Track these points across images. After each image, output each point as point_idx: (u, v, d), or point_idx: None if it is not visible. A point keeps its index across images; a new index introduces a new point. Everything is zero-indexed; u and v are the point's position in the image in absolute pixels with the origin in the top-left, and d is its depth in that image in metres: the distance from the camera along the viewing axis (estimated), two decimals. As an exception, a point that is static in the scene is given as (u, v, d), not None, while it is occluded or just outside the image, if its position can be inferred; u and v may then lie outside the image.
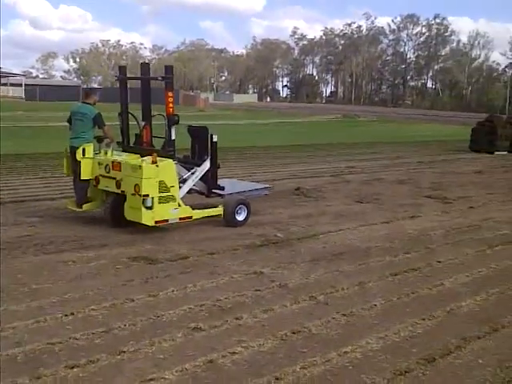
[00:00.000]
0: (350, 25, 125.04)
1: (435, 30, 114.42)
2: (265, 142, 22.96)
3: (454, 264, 6.63)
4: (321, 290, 5.49)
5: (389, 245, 7.45)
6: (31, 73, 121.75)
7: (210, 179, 8.38)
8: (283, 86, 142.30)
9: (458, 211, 9.98)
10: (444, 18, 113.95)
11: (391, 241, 7.65)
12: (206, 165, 8.24)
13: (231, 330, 4.51)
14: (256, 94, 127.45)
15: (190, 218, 7.79)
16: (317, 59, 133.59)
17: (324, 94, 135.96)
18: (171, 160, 7.58)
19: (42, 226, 7.84)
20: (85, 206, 8.11)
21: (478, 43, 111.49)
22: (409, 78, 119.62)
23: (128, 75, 8.97)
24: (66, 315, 4.66)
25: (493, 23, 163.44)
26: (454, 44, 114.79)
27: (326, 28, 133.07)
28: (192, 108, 61.75)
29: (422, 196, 11.38)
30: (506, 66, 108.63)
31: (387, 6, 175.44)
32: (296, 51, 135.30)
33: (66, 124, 8.63)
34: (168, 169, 7.45)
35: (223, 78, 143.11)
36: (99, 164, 7.79)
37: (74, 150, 8.03)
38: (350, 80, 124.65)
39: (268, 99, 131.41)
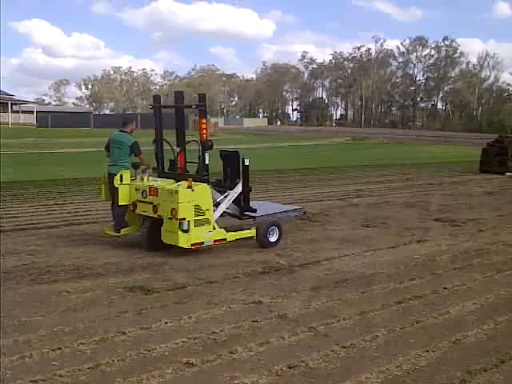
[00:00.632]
0: (359, 48, 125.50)
1: (444, 52, 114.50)
2: (273, 166, 22.82)
3: (461, 291, 6.39)
4: (321, 321, 5.28)
5: (394, 271, 7.22)
6: (43, 100, 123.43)
7: (242, 202, 8.61)
8: (293, 110, 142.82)
9: (466, 234, 9.73)
10: (453, 40, 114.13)
11: (397, 267, 7.42)
12: (239, 188, 8.50)
13: (224, 365, 4.30)
14: (266, 118, 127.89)
15: (225, 240, 8.02)
16: (326, 83, 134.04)
17: (334, 117, 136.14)
18: (206, 184, 7.81)
19: (40, 255, 7.71)
20: (123, 231, 8.31)
21: (488, 64, 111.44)
22: (418, 99, 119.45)
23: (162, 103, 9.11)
24: (53, 350, 4.48)
25: (502, 44, 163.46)
26: (464, 65, 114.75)
27: (336, 52, 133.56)
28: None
29: (431, 219, 11.14)
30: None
31: (396, 29, 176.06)
32: (305, 75, 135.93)
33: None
34: (203, 193, 7.69)
35: (233, 102, 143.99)
36: (136, 190, 8.03)
37: (112, 176, 8.26)
38: (359, 103, 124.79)
39: (278, 123, 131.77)
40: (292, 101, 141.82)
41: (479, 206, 13.27)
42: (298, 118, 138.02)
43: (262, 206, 9.32)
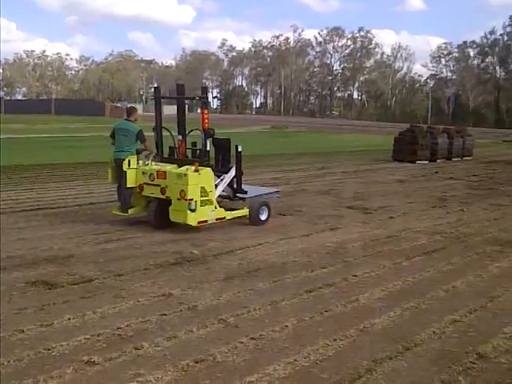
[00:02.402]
0: (277, 37, 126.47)
1: (360, 43, 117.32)
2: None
3: (370, 278, 6.49)
4: (231, 312, 5.20)
5: (306, 259, 7.26)
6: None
7: (234, 184, 9.42)
8: (213, 97, 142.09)
9: (377, 222, 9.95)
10: (368, 31, 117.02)
11: (309, 255, 7.46)
12: (232, 172, 9.29)
13: (128, 362, 4.13)
14: (186, 105, 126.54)
15: (224, 218, 8.88)
16: (246, 71, 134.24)
17: (254, 105, 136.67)
18: (210, 168, 8.63)
19: None
20: (130, 211, 9.03)
21: (401, 55, 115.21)
22: (336, 89, 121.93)
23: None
24: None
25: (414, 36, 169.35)
26: (378, 56, 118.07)
27: (255, 40, 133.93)
28: (120, 120, 60.62)
29: (344, 207, 11.34)
30: (427, 78, 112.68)
31: (314, 19, 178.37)
32: (225, 63, 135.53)
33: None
34: (207, 176, 8.53)
35: (152, 89, 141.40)
36: (143, 173, 8.75)
37: (119, 161, 8.97)
38: (278, 91, 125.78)
39: (198, 110, 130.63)
40: (212, 88, 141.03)
41: (390, 193, 13.65)
42: (218, 106, 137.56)
43: (250, 189, 9.89)
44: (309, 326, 4.96)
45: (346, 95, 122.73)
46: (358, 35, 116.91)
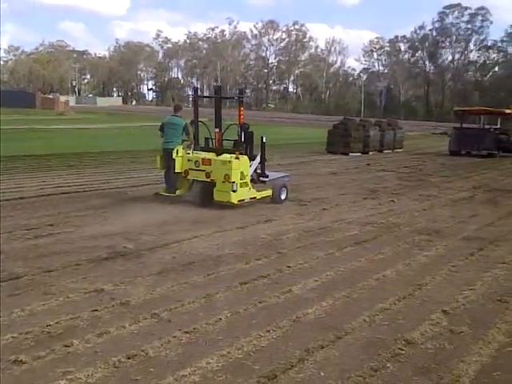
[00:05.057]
0: (213, 29, 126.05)
1: (294, 36, 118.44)
2: (129, 147, 22.22)
3: (303, 269, 6.58)
4: (165, 306, 5.15)
5: (241, 251, 7.28)
6: None
7: (259, 170, 10.95)
8: (149, 89, 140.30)
9: (311, 213, 10.10)
10: (302, 25, 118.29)
11: (244, 247, 7.49)
12: (258, 159, 10.77)
13: (58, 360, 4.03)
14: (121, 98, 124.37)
15: (255, 198, 10.52)
16: (182, 63, 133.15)
17: (190, 98, 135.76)
18: (246, 156, 10.29)
19: None
20: (178, 192, 10.59)
21: (335, 49, 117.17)
22: (271, 82, 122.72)
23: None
24: None
25: (348, 30, 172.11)
26: (313, 50, 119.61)
27: (190, 32, 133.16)
28: (51, 112, 58.94)
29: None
30: (360, 72, 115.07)
31: (249, 12, 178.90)
32: (160, 54, 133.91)
33: None
34: (244, 162, 10.20)
35: (85, 80, 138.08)
36: (189, 160, 10.35)
37: (168, 151, 10.57)
38: (215, 84, 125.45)
39: (134, 102, 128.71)
40: (147, 80, 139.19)
41: (324, 185, 13.87)
42: (153, 98, 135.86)
43: (269, 174, 11.35)
44: (242, 318, 4.98)
45: (282, 88, 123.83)
46: (292, 29, 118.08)
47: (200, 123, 10.84)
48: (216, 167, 9.97)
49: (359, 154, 23.36)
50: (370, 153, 24.09)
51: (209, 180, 10.06)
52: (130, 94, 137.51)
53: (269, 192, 10.86)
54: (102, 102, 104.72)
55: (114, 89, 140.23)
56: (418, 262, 7.13)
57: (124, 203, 10.45)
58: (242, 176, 10.02)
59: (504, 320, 5.15)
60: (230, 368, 4.00)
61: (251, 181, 10.59)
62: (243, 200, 10.13)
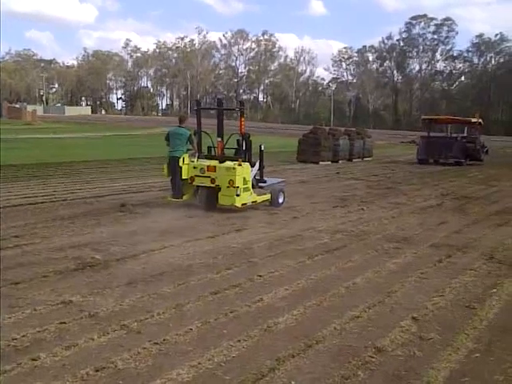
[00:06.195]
0: (182, 38, 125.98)
1: (264, 46, 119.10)
2: (95, 156, 22.00)
3: (274, 278, 6.56)
4: (134, 317, 5.08)
5: (212, 261, 7.23)
6: None
7: (257, 176, 11.63)
8: (118, 99, 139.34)
9: (282, 222, 10.12)
10: (272, 35, 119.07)
11: (214, 256, 7.45)
12: (257, 166, 11.48)
13: (24, 374, 3.93)
14: (90, 107, 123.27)
15: (256, 201, 11.28)
16: (151, 72, 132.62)
17: (160, 107, 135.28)
18: (248, 163, 11.02)
19: None
20: (184, 197, 11.27)
21: (304, 59, 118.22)
22: (241, 91, 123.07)
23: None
24: None
25: (316, 40, 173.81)
26: (282, 59, 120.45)
27: (159, 41, 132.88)
28: (18, 121, 58.08)
29: (249, 208, 11.41)
30: (329, 81, 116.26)
31: (218, 21, 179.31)
32: (130, 63, 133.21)
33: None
34: (247, 169, 10.97)
35: (53, 89, 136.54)
36: (194, 168, 11.06)
37: (174, 159, 11.15)
38: (185, 93, 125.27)
39: (103, 112, 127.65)
40: (116, 89, 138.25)
41: (295, 194, 13.88)
42: (123, 107, 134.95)
43: (267, 179, 12.08)
44: (213, 328, 4.93)
45: (252, 97, 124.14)
46: (262, 38, 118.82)
47: (203, 133, 11.63)
48: (221, 173, 10.70)
49: (329, 162, 23.56)
50: (340, 161, 24.31)
51: (214, 185, 10.78)
52: (98, 103, 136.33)
53: (268, 196, 11.64)
54: (70, 111, 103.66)
55: (83, 98, 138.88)
56: (388, 269, 7.18)
57: (92, 214, 10.31)
58: (245, 181, 10.77)
59: (472, 326, 5.21)
60: (201, 379, 3.95)
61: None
62: (246, 204, 10.87)
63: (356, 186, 16.13)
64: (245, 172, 10.83)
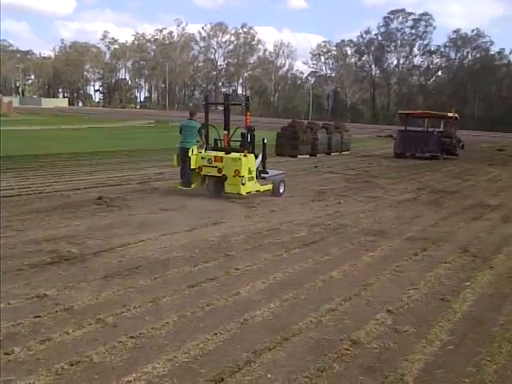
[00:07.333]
0: (161, 30, 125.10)
1: (243, 39, 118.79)
2: (71, 149, 21.75)
3: (251, 271, 6.58)
4: (110, 311, 5.05)
5: (189, 254, 7.22)
6: None
7: (260, 167, 12.34)
8: (95, 91, 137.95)
9: (260, 215, 10.12)
10: (251, 28, 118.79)
11: (192, 250, 7.43)
12: (260, 158, 12.23)
13: (-3, 369, 3.90)
14: (67, 99, 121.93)
15: (259, 190, 12.03)
16: (129, 64, 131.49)
17: (138, 99, 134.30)
18: (252, 154, 11.77)
19: None
20: (193, 186, 12.11)
21: (283, 52, 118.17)
22: (220, 84, 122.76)
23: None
24: None
25: (296, 34, 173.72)
26: (261, 53, 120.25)
27: (138, 33, 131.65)
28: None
29: (227, 201, 11.41)
30: (308, 75, 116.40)
31: (197, 14, 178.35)
32: (107, 55, 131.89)
33: None
34: (251, 160, 11.70)
35: (30, 81, 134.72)
36: (202, 158, 11.82)
37: (184, 150, 12.00)
38: (163, 85, 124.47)
39: (80, 104, 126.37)
40: (94, 81, 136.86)
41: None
42: (100, 100, 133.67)
43: (269, 171, 12.81)
44: (190, 321, 4.93)
45: (231, 90, 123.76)
46: (241, 31, 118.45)
47: (210, 126, 12.33)
48: (227, 164, 11.42)
49: (307, 156, 23.61)
50: (318, 155, 24.38)
51: (220, 175, 11.54)
52: (76, 95, 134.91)
53: (270, 186, 12.34)
54: (46, 103, 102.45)
55: (60, 90, 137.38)
56: (364, 262, 7.24)
57: (68, 206, 10.21)
58: (249, 171, 11.50)
59: (446, 318, 5.28)
60: (177, 372, 3.95)
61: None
62: (250, 192, 11.61)
63: (333, 180, 16.21)
64: (249, 163, 11.53)
